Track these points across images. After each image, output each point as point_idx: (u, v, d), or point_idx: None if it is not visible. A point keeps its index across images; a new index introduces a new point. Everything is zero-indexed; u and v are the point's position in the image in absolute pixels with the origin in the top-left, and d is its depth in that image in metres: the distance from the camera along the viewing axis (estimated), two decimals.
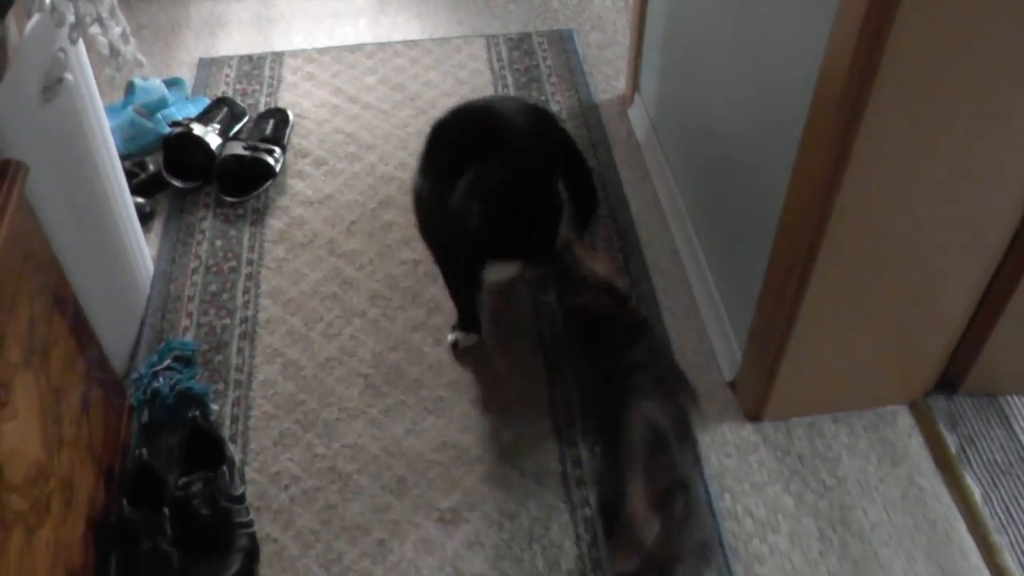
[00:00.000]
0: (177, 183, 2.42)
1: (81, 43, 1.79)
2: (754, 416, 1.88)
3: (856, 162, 1.40)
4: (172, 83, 2.75)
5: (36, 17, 1.56)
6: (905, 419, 1.87)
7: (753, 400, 1.87)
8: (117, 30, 1.65)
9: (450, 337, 2.04)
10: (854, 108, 1.34)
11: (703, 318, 2.08)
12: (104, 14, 1.60)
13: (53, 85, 1.67)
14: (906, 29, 1.24)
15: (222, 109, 2.59)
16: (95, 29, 1.62)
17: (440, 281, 2.09)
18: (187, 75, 2.85)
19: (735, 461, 1.82)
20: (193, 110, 2.63)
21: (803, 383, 1.81)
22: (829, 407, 1.88)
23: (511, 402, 1.93)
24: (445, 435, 1.87)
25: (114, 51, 1.66)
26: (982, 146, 1.41)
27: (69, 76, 1.72)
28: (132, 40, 1.69)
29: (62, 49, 1.70)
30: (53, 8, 1.52)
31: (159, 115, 2.59)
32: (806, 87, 1.44)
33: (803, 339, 1.69)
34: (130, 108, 2.56)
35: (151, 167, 2.46)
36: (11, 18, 1.48)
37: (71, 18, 1.59)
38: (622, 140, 2.56)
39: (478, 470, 1.81)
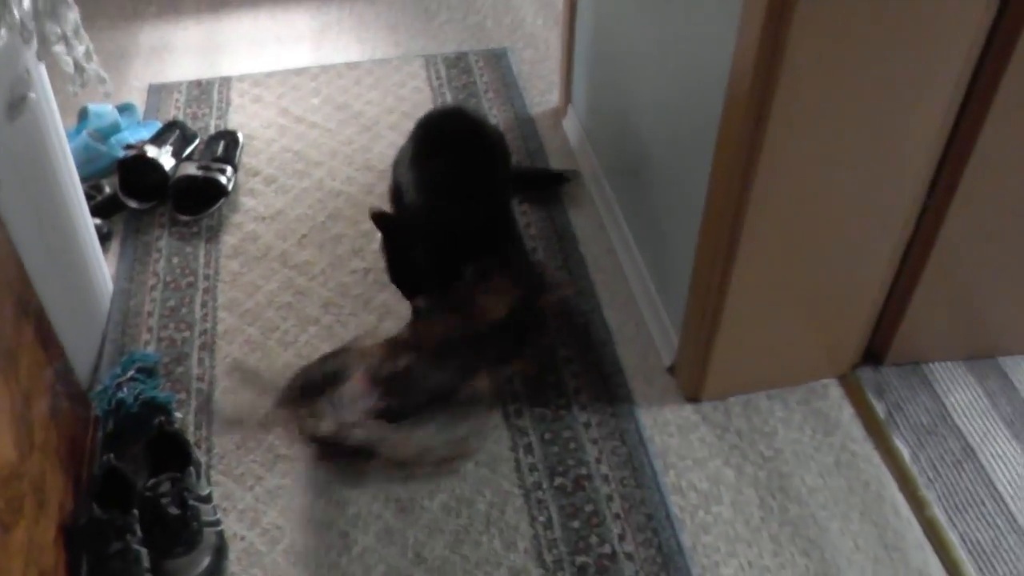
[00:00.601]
0: (133, 204, 2.43)
1: (42, 64, 1.82)
2: (693, 397, 1.94)
3: (767, 152, 1.48)
4: (124, 108, 2.76)
5: (2, 36, 1.58)
6: (835, 391, 1.95)
7: (691, 382, 1.93)
8: (81, 48, 1.67)
9: None
10: (762, 101, 1.42)
11: (640, 309, 2.14)
12: (69, 33, 1.63)
13: (18, 103, 1.69)
14: (801, 31, 1.33)
15: (174, 132, 2.61)
16: (59, 48, 1.64)
17: (390, 287, 2.13)
18: (138, 100, 2.86)
19: (677, 440, 1.88)
20: (146, 134, 2.64)
21: (737, 363, 1.88)
22: (763, 385, 1.95)
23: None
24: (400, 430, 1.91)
25: (78, 68, 1.68)
26: (882, 127, 1.50)
27: (33, 95, 1.74)
28: (95, 58, 1.72)
29: (26, 69, 1.72)
30: (23, 26, 1.54)
31: (112, 139, 2.60)
32: (719, 87, 1.52)
33: (733, 321, 1.76)
34: (84, 133, 2.57)
35: (107, 189, 2.47)
36: None
37: (37, 37, 1.61)
38: (557, 149, 2.62)
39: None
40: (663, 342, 2.04)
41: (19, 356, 1.54)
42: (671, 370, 2.00)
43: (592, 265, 2.25)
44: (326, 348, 2.07)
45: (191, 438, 1.92)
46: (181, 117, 2.78)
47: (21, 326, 1.58)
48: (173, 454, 1.80)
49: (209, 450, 1.90)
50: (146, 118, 2.78)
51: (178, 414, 1.96)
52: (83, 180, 2.35)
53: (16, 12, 1.54)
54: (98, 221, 2.34)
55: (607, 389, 1.97)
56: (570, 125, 2.65)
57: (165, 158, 2.47)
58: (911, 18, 1.36)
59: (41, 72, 1.84)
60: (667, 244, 1.99)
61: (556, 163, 2.56)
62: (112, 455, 1.78)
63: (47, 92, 1.88)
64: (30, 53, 1.69)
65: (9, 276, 1.56)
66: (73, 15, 1.68)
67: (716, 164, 1.60)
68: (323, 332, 2.12)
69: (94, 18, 3.26)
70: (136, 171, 2.45)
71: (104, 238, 2.35)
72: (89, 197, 2.36)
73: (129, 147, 2.49)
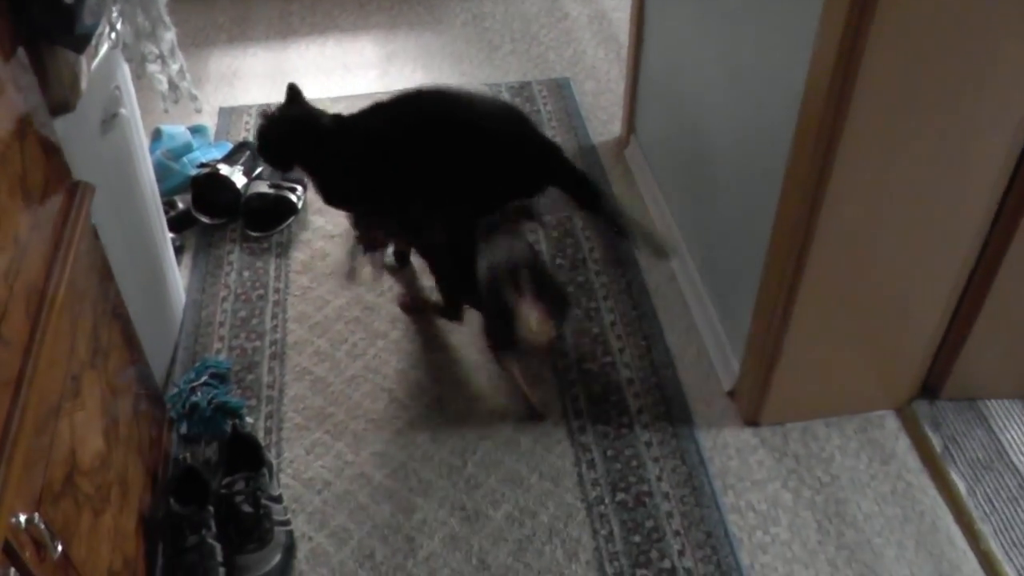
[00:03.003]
0: (205, 219, 2.60)
1: (130, 82, 1.99)
2: (752, 421, 2.05)
3: (835, 182, 1.59)
4: (196, 130, 2.94)
5: (103, 53, 1.75)
6: (892, 422, 2.05)
7: (751, 407, 2.04)
8: (175, 67, 1.84)
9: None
10: (832, 134, 1.54)
11: (701, 335, 2.26)
12: (165, 52, 1.79)
13: (110, 119, 1.86)
14: (873, 65, 1.45)
15: (244, 152, 2.78)
16: (155, 66, 1.81)
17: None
18: (209, 123, 3.04)
19: (736, 462, 1.99)
20: (217, 154, 2.82)
21: (796, 390, 1.99)
22: (821, 412, 2.06)
23: (524, 413, 2.10)
24: (466, 442, 2.03)
25: (172, 87, 1.85)
26: (949, 160, 1.61)
27: (124, 111, 1.91)
28: (188, 76, 1.88)
29: (118, 86, 1.89)
30: (124, 44, 1.71)
31: (185, 159, 2.78)
32: (788, 118, 1.65)
33: (794, 350, 1.88)
34: (158, 152, 2.74)
35: (180, 205, 2.64)
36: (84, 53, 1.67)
37: (138, 55, 1.78)
38: (619, 177, 2.76)
39: (499, 472, 1.97)
40: (723, 367, 2.15)
41: (109, 354, 1.69)
42: (731, 394, 2.12)
43: (654, 292, 2.38)
44: (394, 362, 2.21)
45: (262, 442, 2.05)
46: (250, 139, 2.94)
47: (111, 326, 1.73)
48: (246, 455, 1.94)
49: (279, 454, 2.03)
50: (217, 139, 2.96)
51: (249, 419, 2.10)
52: None
53: (119, 31, 1.71)
54: (172, 235, 2.50)
55: (668, 410, 2.09)
56: (632, 154, 2.79)
57: (237, 176, 2.64)
58: (983, 50, 1.46)
59: (130, 91, 2.01)
60: (730, 272, 2.11)
61: (618, 189, 2.70)
62: (188, 455, 1.92)
63: (135, 109, 2.05)
64: (121, 72, 1.85)
65: (102, 278, 1.71)
66: (170, 35, 1.86)
67: (784, 194, 1.72)
68: (391, 346, 2.26)
69: None
70: (209, 188, 2.62)
71: (177, 251, 2.51)
72: (163, 212, 2.52)
73: (203, 165, 2.66)
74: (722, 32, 2.04)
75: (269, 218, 2.60)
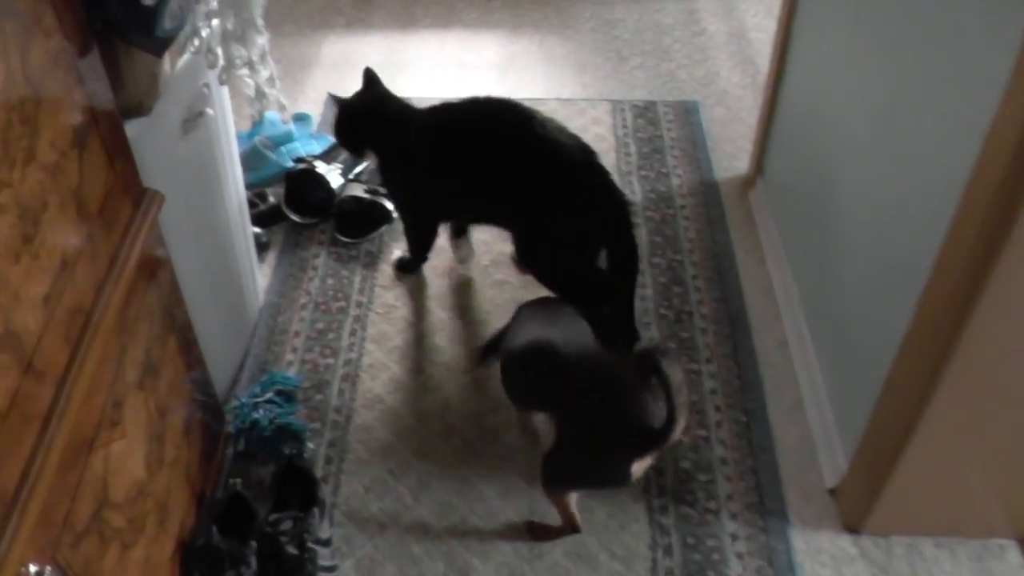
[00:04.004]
0: (295, 218, 2.51)
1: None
2: (853, 528, 1.86)
3: (995, 286, 1.40)
4: (298, 118, 2.85)
5: (188, 54, 1.64)
6: (1014, 555, 1.83)
7: (854, 511, 1.85)
8: (265, 73, 1.73)
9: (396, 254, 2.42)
10: (1002, 224, 1.34)
11: (808, 417, 2.07)
12: (255, 58, 1.69)
13: (194, 118, 1.76)
14: None
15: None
16: (243, 71, 1.70)
17: None
18: (314, 112, 2.95)
19: (830, 572, 1.80)
20: (317, 147, 2.72)
21: (909, 502, 1.79)
22: (933, 530, 1.85)
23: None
24: (536, 504, 1.89)
25: (260, 94, 1.74)
26: None
27: (210, 111, 1.81)
28: (278, 83, 1.78)
29: (206, 84, 1.79)
30: (208, 50, 1.60)
31: (283, 149, 2.69)
32: (949, 194, 1.45)
33: (916, 459, 1.68)
34: (256, 139, 2.66)
35: (271, 199, 2.56)
36: (165, 54, 1.57)
37: (222, 61, 1.67)
38: (740, 222, 2.57)
39: (565, 544, 1.83)
40: (828, 459, 1.96)
41: (161, 370, 1.59)
42: (833, 492, 1.92)
43: (762, 358, 2.19)
44: (473, 401, 2.08)
45: (320, 472, 1.95)
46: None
47: (167, 340, 1.63)
48: (300, 489, 1.84)
49: (337, 487, 1.92)
50: (320, 130, 2.87)
51: (310, 444, 1.99)
52: (248, 187, 2.44)
53: (204, 34, 1.60)
54: (258, 230, 2.42)
55: (761, 500, 1.91)
56: (757, 198, 2.60)
57: (333, 176, 2.54)
58: None
59: (221, 87, 1.91)
60: (851, 353, 1.92)
61: (737, 237, 2.51)
62: (239, 480, 1.82)
63: (225, 107, 1.95)
64: (212, 72, 1.75)
65: (165, 293, 1.61)
66: (262, 40, 1.75)
67: (930, 287, 1.52)
68: (471, 384, 2.13)
69: (281, 23, 3.40)
70: (303, 185, 2.52)
71: (262, 248, 2.42)
72: (252, 205, 2.44)
73: (299, 160, 2.57)
74: (878, 75, 1.82)
75: (361, 223, 2.49)
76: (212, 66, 1.66)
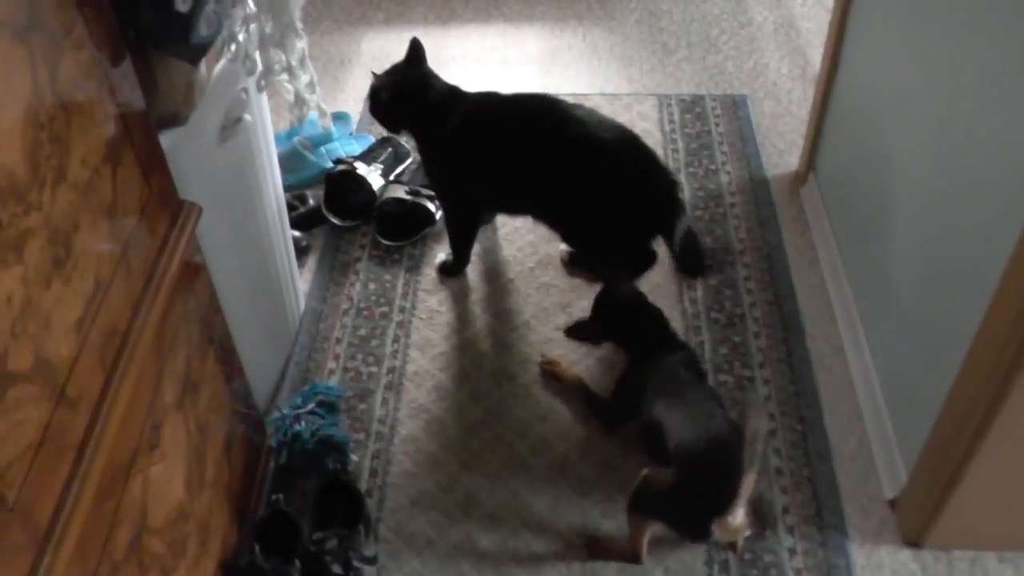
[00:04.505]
0: (336, 220, 2.46)
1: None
2: (913, 542, 1.79)
3: None
4: (338, 117, 2.81)
5: (225, 59, 1.60)
6: None
7: (915, 524, 1.77)
8: (305, 79, 1.68)
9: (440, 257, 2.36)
10: None
11: (866, 424, 1.99)
12: (294, 63, 1.64)
13: (232, 124, 1.71)
14: None
15: (386, 149, 2.63)
16: (283, 77, 1.65)
17: (593, 352, 2.08)
18: (353, 110, 2.90)
19: None
20: (357, 147, 2.68)
21: (974, 515, 1.71)
22: (998, 544, 1.77)
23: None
24: (587, 518, 1.84)
25: (299, 100, 1.70)
26: None
27: (248, 117, 1.76)
28: (318, 89, 1.72)
29: (244, 89, 1.74)
30: (246, 56, 1.55)
31: (322, 149, 2.64)
32: (1019, 203, 1.37)
33: (984, 469, 1.60)
34: (295, 139, 2.62)
35: (311, 201, 2.51)
36: (202, 61, 1.53)
37: (260, 67, 1.63)
38: (791, 220, 2.49)
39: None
40: (887, 469, 1.88)
41: (200, 387, 1.55)
42: (892, 504, 1.85)
43: (817, 363, 2.12)
44: (519, 410, 2.02)
45: (364, 485, 1.91)
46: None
47: (206, 356, 1.59)
48: (343, 503, 1.80)
49: (382, 501, 1.88)
50: (359, 130, 2.82)
51: (354, 456, 1.95)
52: (287, 189, 2.40)
53: (241, 40, 1.55)
54: (297, 234, 2.37)
55: (819, 513, 1.84)
56: (809, 195, 2.51)
57: (374, 176, 2.49)
58: None
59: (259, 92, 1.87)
60: (910, 361, 1.84)
61: (789, 236, 2.43)
62: (281, 496, 1.78)
63: (263, 111, 1.90)
64: (251, 78, 1.70)
65: (204, 307, 1.57)
66: (301, 44, 1.69)
67: (998, 298, 1.44)
68: (519, 390, 2.08)
69: (319, 20, 3.36)
70: (343, 187, 2.47)
71: (302, 252, 2.38)
72: (291, 207, 2.40)
73: (339, 161, 2.52)
74: (942, 66, 1.73)
75: (404, 226, 2.44)
76: (250, 73, 1.61)
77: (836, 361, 2.13)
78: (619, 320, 1.99)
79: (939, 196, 1.73)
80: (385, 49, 3.21)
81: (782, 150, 2.75)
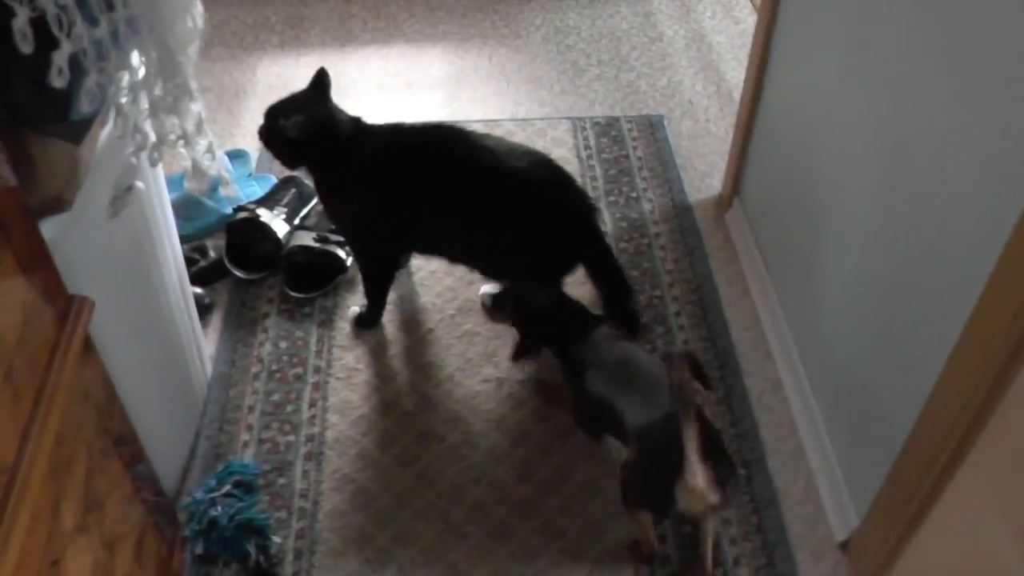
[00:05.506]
0: (240, 274, 2.32)
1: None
2: None
3: None
4: (235, 156, 2.66)
5: (110, 125, 1.46)
6: None
7: (870, 567, 1.73)
8: (203, 144, 1.56)
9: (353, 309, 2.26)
10: None
11: (811, 464, 1.94)
12: (190, 128, 1.51)
13: (123, 195, 1.57)
14: None
15: (289, 190, 2.49)
16: (178, 145, 1.52)
17: (525, 406, 2.00)
18: (252, 146, 2.75)
19: None
20: (258, 189, 2.54)
21: (936, 557, 1.66)
22: None
23: (603, 555, 1.80)
24: None
25: (198, 170, 1.57)
26: None
27: (140, 184, 1.62)
28: (218, 153, 1.60)
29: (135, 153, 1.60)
30: (135, 129, 1.42)
31: (220, 192, 2.49)
32: (989, 227, 1.31)
33: (943, 520, 1.55)
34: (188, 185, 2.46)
35: (211, 253, 2.37)
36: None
37: (152, 137, 1.49)
38: (718, 248, 2.44)
39: None
40: (836, 510, 1.84)
41: (105, 502, 1.41)
42: (844, 546, 1.80)
43: (756, 402, 2.06)
44: (452, 474, 1.92)
45: (290, 569, 1.79)
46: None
47: (110, 464, 1.45)
48: None
49: None
50: (259, 169, 2.67)
51: (276, 538, 1.83)
52: (184, 240, 2.23)
53: (128, 112, 1.42)
54: (199, 290, 2.23)
55: (770, 563, 1.78)
56: (735, 221, 2.46)
57: (278, 223, 2.35)
58: None
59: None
60: (853, 393, 1.79)
61: (717, 266, 2.37)
62: None
63: (157, 173, 1.76)
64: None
65: (101, 409, 1.43)
66: (197, 107, 1.57)
67: (968, 332, 1.38)
68: (448, 453, 1.97)
69: (210, 46, 3.20)
70: (246, 236, 2.33)
71: (204, 310, 2.24)
72: (191, 261, 2.26)
73: (240, 208, 2.38)
74: (884, 88, 1.64)
75: (314, 276, 2.31)
76: (142, 148, 1.47)
77: (775, 398, 2.08)
78: (543, 321, 1.95)
79: (880, 229, 1.67)
80: (283, 77, 3.07)
81: (703, 172, 2.70)
